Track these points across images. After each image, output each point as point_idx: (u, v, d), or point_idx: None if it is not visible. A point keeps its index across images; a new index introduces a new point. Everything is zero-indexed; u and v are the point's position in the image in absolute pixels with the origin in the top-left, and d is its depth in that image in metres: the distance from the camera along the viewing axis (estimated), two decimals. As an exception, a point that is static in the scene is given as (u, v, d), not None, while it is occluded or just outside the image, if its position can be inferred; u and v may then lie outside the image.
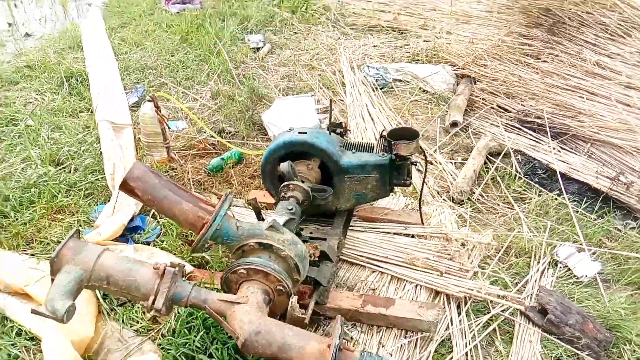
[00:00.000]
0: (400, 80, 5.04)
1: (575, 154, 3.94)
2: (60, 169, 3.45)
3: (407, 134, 2.64)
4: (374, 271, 2.77)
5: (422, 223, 3.00)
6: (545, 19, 4.59)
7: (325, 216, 2.92)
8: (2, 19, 6.83)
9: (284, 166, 2.60)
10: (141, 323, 2.52)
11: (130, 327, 2.51)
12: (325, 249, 2.53)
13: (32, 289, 2.56)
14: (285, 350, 1.86)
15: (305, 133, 2.71)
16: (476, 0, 6.00)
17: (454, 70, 5.14)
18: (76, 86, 4.50)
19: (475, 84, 4.95)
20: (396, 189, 3.47)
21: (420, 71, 5.03)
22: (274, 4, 6.69)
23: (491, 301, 2.63)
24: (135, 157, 3.59)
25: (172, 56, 5.17)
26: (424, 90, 4.85)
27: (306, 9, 6.69)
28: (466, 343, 2.45)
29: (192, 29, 5.65)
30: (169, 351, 2.29)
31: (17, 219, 3.05)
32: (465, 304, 2.62)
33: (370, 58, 5.47)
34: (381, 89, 4.83)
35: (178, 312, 2.44)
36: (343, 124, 3.03)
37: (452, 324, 2.52)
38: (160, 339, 2.41)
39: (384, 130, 2.98)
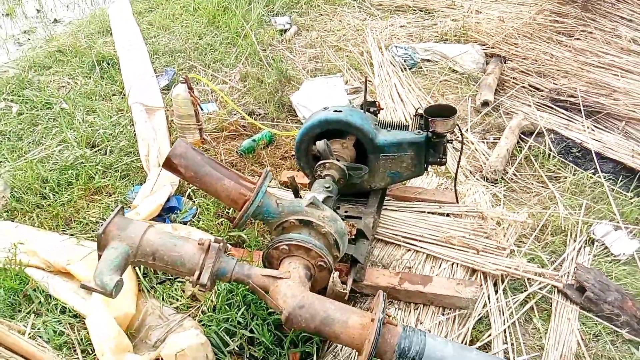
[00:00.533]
0: (429, 60, 4.98)
1: (609, 132, 3.87)
2: (96, 151, 3.52)
3: (444, 111, 2.63)
4: (409, 250, 2.77)
5: (457, 202, 2.99)
6: (578, -5, 4.50)
7: (359, 195, 2.93)
8: (31, 6, 6.91)
9: (320, 144, 2.61)
10: (181, 301, 2.58)
11: (170, 304, 2.57)
12: (361, 227, 2.55)
13: (74, 268, 2.63)
14: (328, 323, 1.88)
15: (341, 111, 2.71)
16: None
17: (484, 49, 5.06)
18: (107, 70, 4.55)
19: (505, 63, 4.87)
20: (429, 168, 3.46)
21: (449, 51, 4.97)
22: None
23: (528, 279, 2.62)
24: (168, 139, 3.63)
25: (199, 39, 5.19)
26: (453, 70, 4.79)
27: (332, -11, 6.62)
28: (504, 320, 2.45)
29: (219, 12, 5.65)
30: (210, 327, 2.33)
31: (56, 200, 3.12)
32: (502, 282, 2.62)
33: (398, 38, 5.41)
34: (410, 69, 4.79)
35: (218, 289, 2.48)
36: (377, 103, 3.01)
37: (489, 302, 2.51)
38: (200, 315, 2.46)
39: (418, 108, 2.97)
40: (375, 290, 2.46)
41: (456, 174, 2.92)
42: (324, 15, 6.10)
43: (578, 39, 4.46)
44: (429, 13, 6.09)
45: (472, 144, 3.80)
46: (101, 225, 1.99)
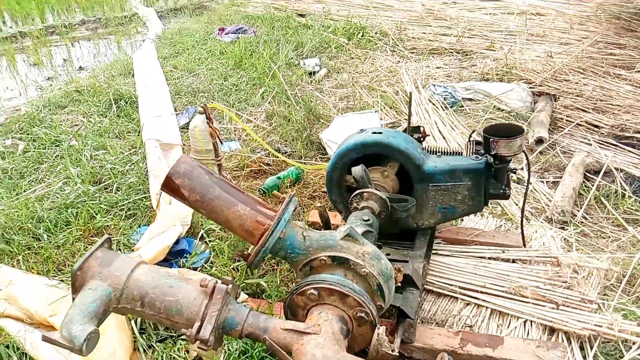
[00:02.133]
0: (470, 99, 4.56)
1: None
2: (100, 188, 3.13)
3: (507, 131, 2.15)
4: (468, 304, 2.23)
5: (524, 245, 2.45)
6: (637, 23, 4.07)
7: (403, 237, 2.41)
8: (59, 55, 6.87)
9: (357, 170, 2.15)
10: (185, 363, 2.07)
11: (172, 367, 2.07)
12: (409, 272, 2.03)
13: (59, 321, 2.16)
14: (374, 398, 1.35)
15: (381, 133, 2.27)
16: (552, 17, 5.52)
17: (530, 87, 4.63)
18: (125, 108, 4.27)
19: (556, 100, 4.42)
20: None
21: (493, 89, 4.54)
22: (329, 31, 6.43)
23: (625, 341, 2.04)
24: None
25: (225, 80, 4.92)
26: (498, 109, 4.34)
27: (362, 36, 6.39)
28: (601, 396, 1.86)
29: (246, 55, 5.42)
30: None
31: (50, 242, 2.71)
32: (591, 346, 2.03)
33: (435, 79, 5.05)
34: (450, 107, 4.36)
35: (228, 349, 1.98)
36: (421, 129, 2.57)
37: (578, 371, 1.93)
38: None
39: (474, 131, 2.51)
40: (429, 354, 1.91)
41: (523, 208, 2.41)
42: (354, 59, 5.82)
43: (639, 71, 4.00)
44: (467, 55, 5.75)
45: (530, 183, 3.29)
46: (79, 260, 1.55)
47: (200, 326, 1.47)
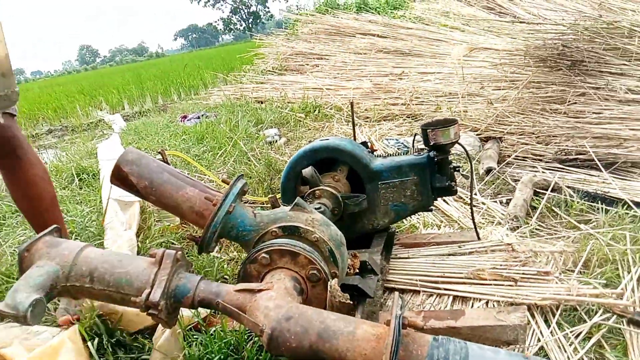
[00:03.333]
0: (422, 149, 4.78)
1: (633, 179, 3.50)
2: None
3: (443, 124, 2.31)
4: (430, 295, 2.23)
5: (479, 238, 2.51)
6: (562, 62, 4.47)
7: (360, 244, 2.45)
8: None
9: (307, 171, 2.24)
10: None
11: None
12: (366, 258, 2.06)
13: (10, 352, 2.06)
14: (329, 337, 1.33)
15: (328, 139, 2.39)
16: (486, 75, 5.99)
17: (477, 134, 4.91)
18: (87, 180, 4.32)
19: (501, 142, 4.68)
20: (436, 218, 3.03)
21: (443, 137, 4.80)
22: (287, 110, 6.78)
23: (587, 312, 2.05)
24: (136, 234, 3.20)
25: (187, 153, 5.05)
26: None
27: (318, 112, 6.75)
28: (568, 357, 1.84)
29: (208, 132, 5.63)
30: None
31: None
32: (554, 315, 2.04)
33: (389, 137, 5.31)
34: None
35: (187, 353, 1.91)
36: (369, 144, 2.70)
37: (542, 337, 1.92)
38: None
39: (416, 134, 2.66)
40: (392, 332, 1.88)
41: (471, 202, 2.50)
42: (312, 130, 6.10)
43: (574, 102, 4.32)
44: (416, 119, 6.10)
45: (484, 204, 3.40)
46: (26, 242, 1.54)
47: (150, 292, 1.46)
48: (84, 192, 4.05)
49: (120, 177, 1.73)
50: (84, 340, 2.10)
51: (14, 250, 3.00)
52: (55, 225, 1.64)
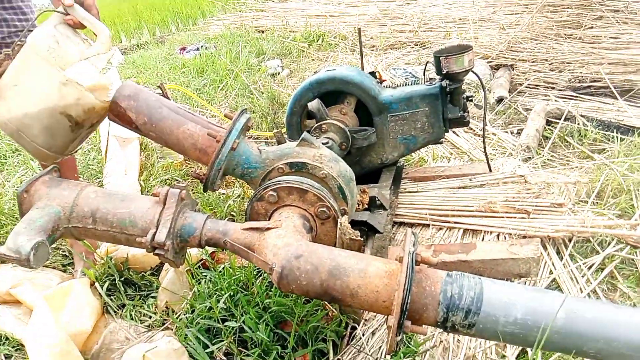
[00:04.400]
0: (432, 78, 4.62)
1: (648, 107, 3.38)
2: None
3: (457, 51, 2.18)
4: (440, 228, 2.20)
5: (490, 170, 2.44)
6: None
7: (369, 179, 2.39)
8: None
9: (314, 104, 2.15)
10: (154, 317, 1.99)
11: (141, 323, 1.98)
12: (375, 194, 2.00)
13: (20, 291, 2.06)
14: (340, 275, 1.30)
15: (335, 69, 2.27)
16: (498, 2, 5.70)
17: (488, 62, 4.72)
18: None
19: (513, 70, 4.51)
20: (446, 150, 2.95)
21: (452, 65, 4.62)
22: (289, 40, 6.53)
23: (600, 242, 2.02)
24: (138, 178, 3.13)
25: (187, 87, 4.91)
26: (459, 82, 4.40)
27: (322, 41, 6.49)
28: (580, 289, 1.82)
29: (208, 64, 5.45)
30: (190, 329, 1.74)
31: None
32: (566, 246, 2.01)
33: (396, 66, 5.12)
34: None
35: (197, 290, 1.90)
36: (377, 74, 2.58)
37: (555, 270, 1.90)
38: (177, 322, 1.87)
39: (428, 62, 2.53)
40: (403, 267, 1.86)
41: (484, 132, 2.42)
42: (316, 60, 5.89)
43: (591, 27, 4.11)
44: (425, 46, 5.87)
45: (494, 135, 3.31)
46: (24, 183, 1.49)
47: (156, 232, 1.41)
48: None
49: (117, 113, 1.65)
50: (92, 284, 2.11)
51: (17, 189, 2.97)
52: (53, 165, 1.58)
